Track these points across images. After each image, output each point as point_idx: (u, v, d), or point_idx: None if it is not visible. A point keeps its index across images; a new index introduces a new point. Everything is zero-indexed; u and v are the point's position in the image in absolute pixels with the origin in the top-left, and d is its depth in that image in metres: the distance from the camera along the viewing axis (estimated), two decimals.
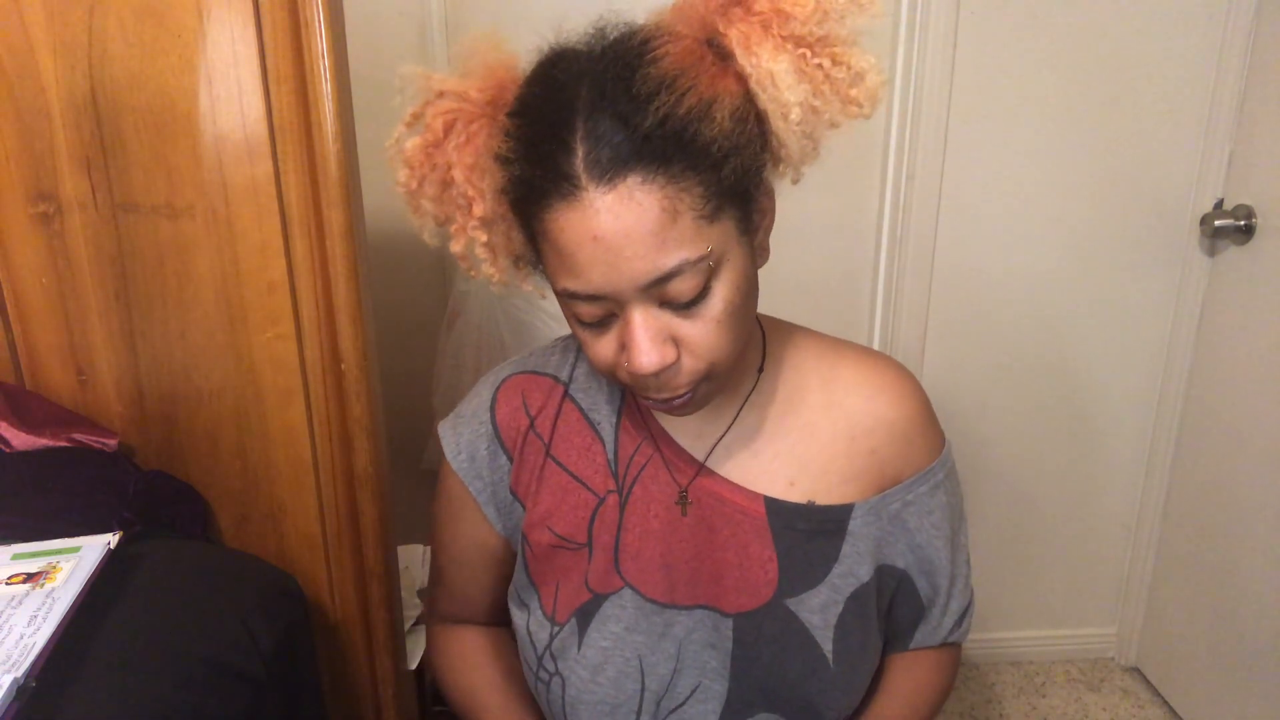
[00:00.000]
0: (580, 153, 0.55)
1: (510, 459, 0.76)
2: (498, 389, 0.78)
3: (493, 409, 0.77)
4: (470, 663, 0.84)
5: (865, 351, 0.78)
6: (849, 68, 0.59)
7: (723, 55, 0.58)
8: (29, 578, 0.60)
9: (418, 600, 1.20)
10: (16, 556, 0.63)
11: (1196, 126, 1.50)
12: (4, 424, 0.77)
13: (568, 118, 0.56)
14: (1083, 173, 1.53)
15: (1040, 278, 1.59)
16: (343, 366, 0.85)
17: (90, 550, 0.64)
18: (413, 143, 0.64)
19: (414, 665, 1.07)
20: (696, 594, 0.72)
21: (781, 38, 0.57)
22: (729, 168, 0.57)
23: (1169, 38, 1.46)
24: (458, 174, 0.63)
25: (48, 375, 0.83)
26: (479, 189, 0.63)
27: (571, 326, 0.65)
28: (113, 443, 0.81)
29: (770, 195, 0.65)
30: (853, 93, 0.59)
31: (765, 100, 0.58)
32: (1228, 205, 1.50)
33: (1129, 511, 1.76)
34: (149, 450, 0.86)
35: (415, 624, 1.14)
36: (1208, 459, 1.59)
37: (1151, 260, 1.59)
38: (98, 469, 0.78)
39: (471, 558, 0.82)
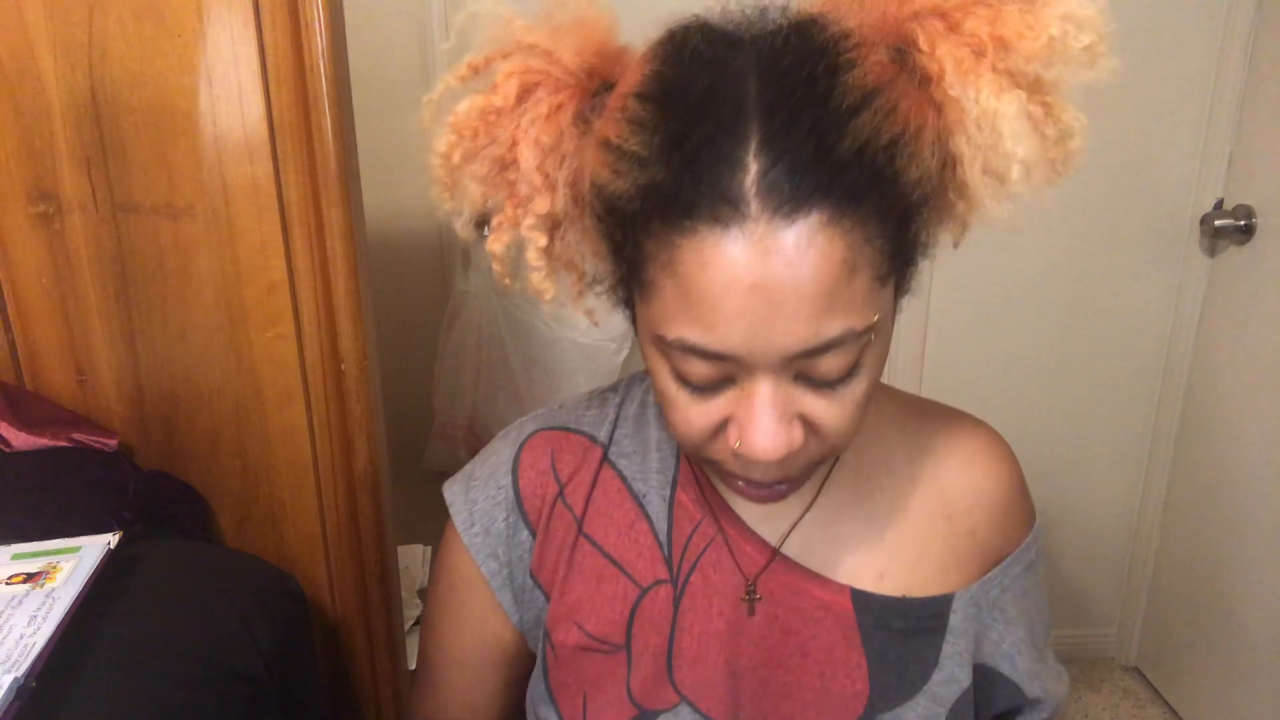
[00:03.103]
0: (754, 170, 0.41)
1: (533, 534, 0.62)
2: (521, 446, 0.64)
3: (515, 470, 0.63)
4: None
5: (950, 411, 0.68)
6: (1058, 123, 0.47)
7: (916, 76, 0.45)
8: (29, 578, 0.60)
9: (418, 600, 1.21)
10: (16, 556, 0.63)
11: (1196, 126, 1.50)
12: (4, 424, 0.77)
13: (738, 119, 0.42)
14: (1082, 172, 1.52)
15: (1040, 278, 1.59)
16: (343, 366, 0.85)
17: (90, 550, 0.63)
18: (469, 103, 0.50)
19: (414, 665, 1.07)
20: (764, 713, 0.59)
21: (996, 70, 0.44)
22: (919, 221, 0.47)
23: (1169, 38, 1.46)
24: (525, 154, 0.49)
25: (48, 375, 0.83)
26: (550, 179, 0.49)
27: (659, 380, 0.50)
28: (113, 443, 0.81)
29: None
30: (1054, 154, 0.48)
31: (975, 145, 0.45)
32: (1228, 205, 1.50)
33: (1129, 511, 1.76)
34: (149, 450, 0.86)
35: (415, 624, 1.14)
36: (1208, 459, 1.59)
37: (1151, 260, 1.59)
38: (98, 469, 0.78)
39: (477, 657, 0.67)
